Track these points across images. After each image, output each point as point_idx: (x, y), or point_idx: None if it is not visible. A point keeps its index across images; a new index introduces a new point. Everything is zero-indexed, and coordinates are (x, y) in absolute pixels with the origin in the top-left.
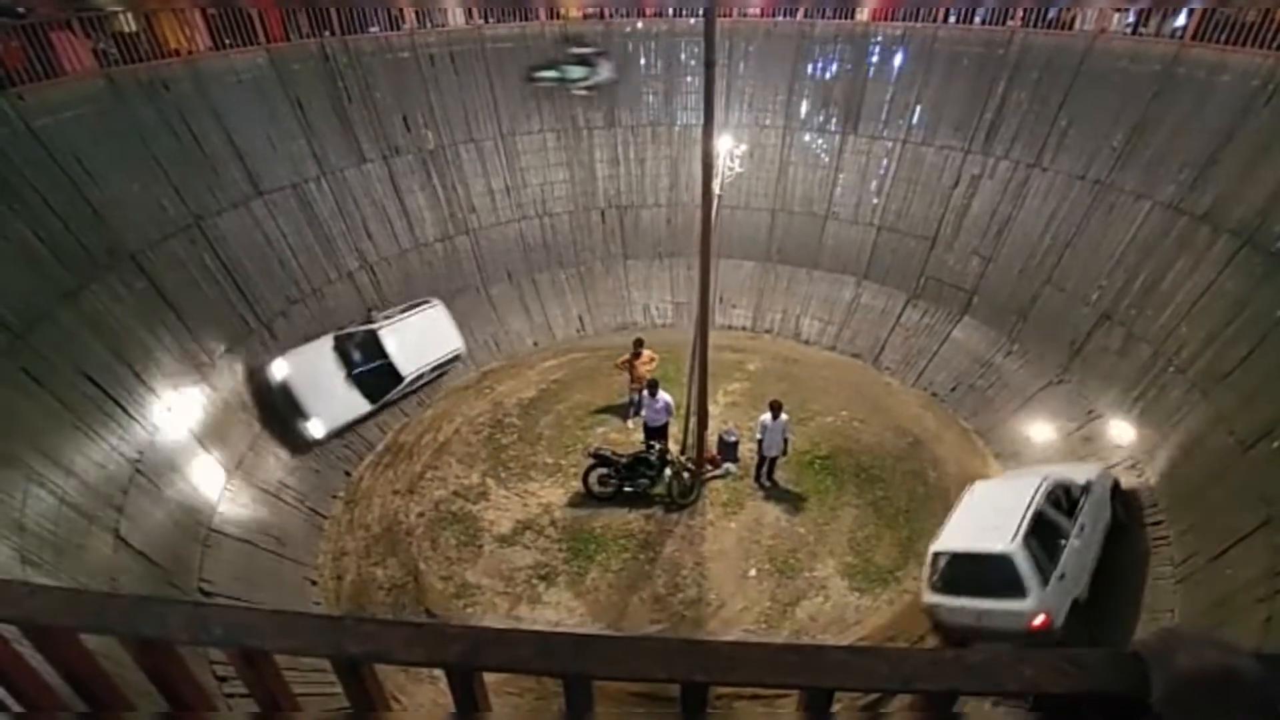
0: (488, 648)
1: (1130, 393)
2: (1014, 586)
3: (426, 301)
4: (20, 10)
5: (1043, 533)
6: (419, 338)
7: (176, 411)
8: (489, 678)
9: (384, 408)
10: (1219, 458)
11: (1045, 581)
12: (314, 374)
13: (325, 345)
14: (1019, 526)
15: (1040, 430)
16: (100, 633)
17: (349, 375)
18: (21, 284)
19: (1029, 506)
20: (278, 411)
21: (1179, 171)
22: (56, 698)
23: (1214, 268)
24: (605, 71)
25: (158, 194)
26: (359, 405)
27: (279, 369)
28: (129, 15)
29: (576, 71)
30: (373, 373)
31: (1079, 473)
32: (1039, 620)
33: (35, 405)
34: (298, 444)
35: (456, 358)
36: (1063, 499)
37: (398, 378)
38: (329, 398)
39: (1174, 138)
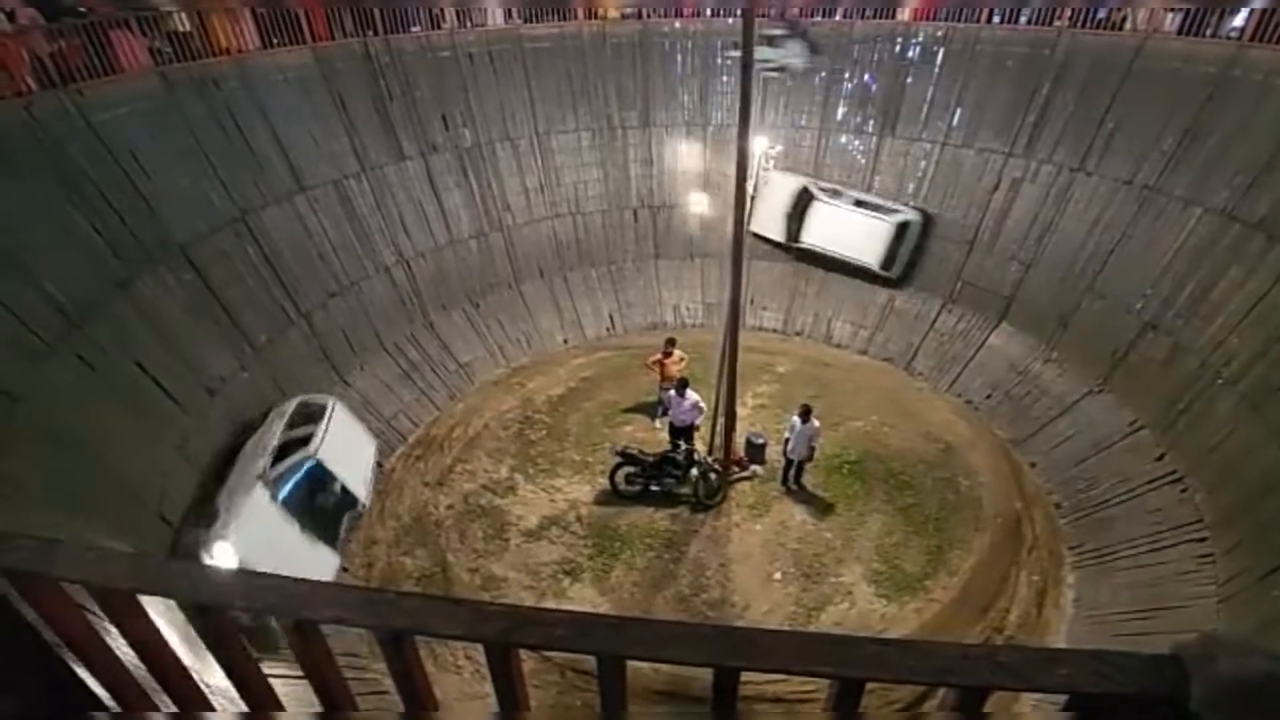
0: (525, 626)
1: (1175, 405)
2: None
3: (309, 403)
4: (82, 10)
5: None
6: (348, 452)
7: (219, 398)
8: None
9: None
10: (1270, 474)
11: None
12: (267, 545)
13: (260, 498)
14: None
15: (1078, 440)
16: (163, 596)
17: (303, 528)
18: (80, 274)
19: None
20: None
21: (1233, 177)
22: (150, 700)
23: (1268, 277)
24: (792, 56)
25: (206, 188)
26: (328, 562)
27: (222, 553)
28: (183, 15)
29: (766, 52)
30: (326, 514)
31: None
32: None
33: (88, 390)
34: None
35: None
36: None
37: (354, 508)
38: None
39: (1228, 142)
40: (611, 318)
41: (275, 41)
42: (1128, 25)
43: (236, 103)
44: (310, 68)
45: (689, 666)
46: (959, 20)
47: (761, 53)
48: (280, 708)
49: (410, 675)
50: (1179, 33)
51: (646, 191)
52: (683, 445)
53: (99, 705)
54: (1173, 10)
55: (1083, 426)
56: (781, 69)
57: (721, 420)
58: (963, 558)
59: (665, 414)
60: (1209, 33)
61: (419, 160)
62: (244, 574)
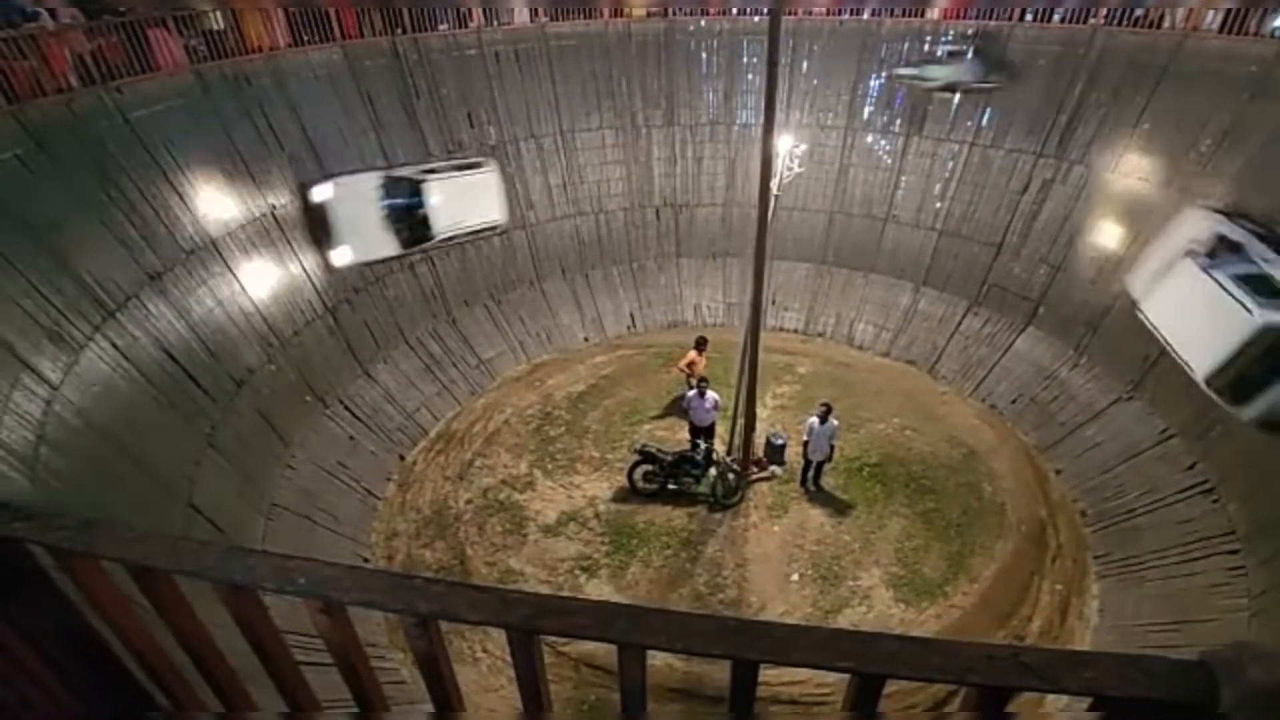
0: (548, 614)
1: (1208, 413)
2: None
3: (481, 163)
4: (121, 9)
5: None
6: (461, 199)
7: (246, 390)
8: None
9: (411, 254)
10: None
11: None
12: (353, 204)
13: (372, 180)
14: None
15: (1106, 447)
16: (197, 576)
17: (386, 215)
18: (116, 266)
19: None
20: (311, 233)
21: (1274, 181)
22: (199, 699)
23: None
24: (964, 74)
25: (237, 183)
26: (387, 246)
27: (321, 192)
28: (218, 14)
29: (934, 70)
30: (408, 220)
31: None
32: None
33: (123, 380)
34: (353, 426)
35: (494, 228)
36: None
37: (428, 234)
38: (361, 231)
39: (1269, 144)
40: (632, 316)
41: (306, 39)
42: (1166, 24)
43: (268, 99)
44: (339, 65)
45: (706, 660)
46: (990, 19)
47: (930, 71)
48: (309, 692)
49: (434, 659)
50: (1219, 31)
51: (669, 190)
52: (702, 444)
53: (153, 705)
54: (1214, 9)
55: (1111, 433)
56: (951, 88)
57: (741, 420)
58: (984, 564)
59: (685, 413)
60: (1251, 31)
61: (444, 157)
62: (275, 556)
